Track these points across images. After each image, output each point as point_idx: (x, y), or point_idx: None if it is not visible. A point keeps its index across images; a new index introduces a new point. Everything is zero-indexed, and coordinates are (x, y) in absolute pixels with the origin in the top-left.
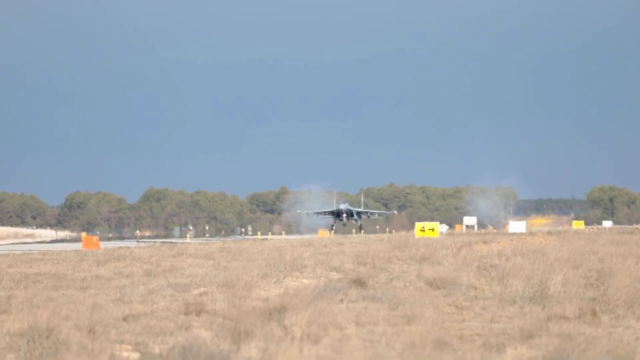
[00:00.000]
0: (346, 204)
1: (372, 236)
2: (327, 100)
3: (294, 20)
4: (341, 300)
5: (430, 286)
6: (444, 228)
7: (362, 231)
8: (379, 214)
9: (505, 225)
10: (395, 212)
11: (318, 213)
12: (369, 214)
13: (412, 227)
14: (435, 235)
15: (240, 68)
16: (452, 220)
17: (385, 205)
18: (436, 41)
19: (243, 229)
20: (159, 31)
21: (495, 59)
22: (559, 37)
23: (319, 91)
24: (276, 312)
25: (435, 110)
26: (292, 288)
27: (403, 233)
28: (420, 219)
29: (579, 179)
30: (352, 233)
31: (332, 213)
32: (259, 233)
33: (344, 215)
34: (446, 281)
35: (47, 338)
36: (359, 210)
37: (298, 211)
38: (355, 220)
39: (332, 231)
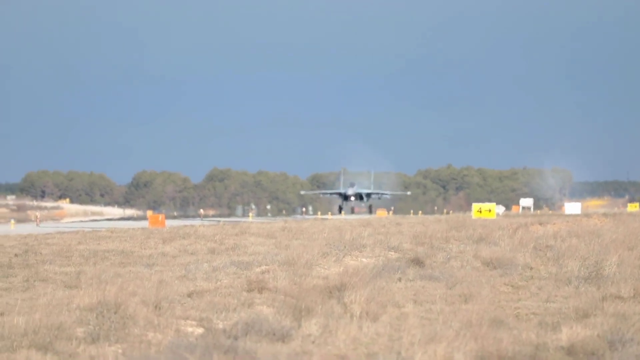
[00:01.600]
0: (354, 187)
1: (429, 217)
2: (388, 82)
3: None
4: (399, 279)
5: (487, 266)
6: (501, 209)
7: (371, 212)
8: (392, 195)
9: (560, 206)
10: (408, 192)
11: (324, 194)
12: (380, 194)
13: (469, 208)
14: (492, 216)
15: (304, 49)
16: (508, 202)
17: (443, 187)
18: (491, 20)
19: (304, 209)
20: (228, 11)
21: (552, 39)
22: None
23: (379, 73)
24: (336, 290)
25: (492, 93)
26: (352, 267)
27: (460, 214)
28: (477, 200)
29: (635, 161)
30: (410, 214)
31: (340, 194)
32: (319, 213)
33: (352, 197)
34: (502, 261)
35: (115, 313)
36: (369, 191)
37: (302, 192)
38: (365, 201)
39: (343, 212)
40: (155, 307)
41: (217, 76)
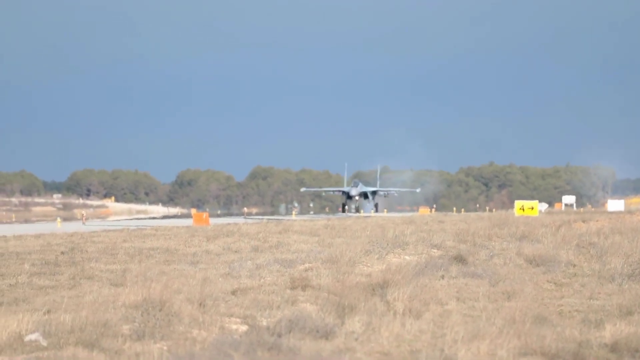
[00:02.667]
0: (359, 186)
1: (472, 214)
2: (427, 81)
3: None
4: (442, 277)
5: (530, 263)
6: (543, 206)
7: (377, 210)
8: (399, 192)
9: (603, 204)
10: (418, 190)
11: (327, 191)
12: (386, 192)
13: (511, 205)
14: (535, 213)
15: (348, 47)
16: (551, 199)
17: (486, 185)
18: (527, 15)
19: (346, 207)
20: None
21: (593, 35)
22: None
23: (421, 71)
24: (379, 288)
25: (534, 90)
26: (395, 264)
27: (503, 212)
28: (520, 198)
29: None
30: (452, 211)
31: (343, 193)
32: (362, 210)
33: (356, 197)
34: (545, 258)
35: (160, 310)
36: (374, 189)
37: (302, 189)
38: (371, 200)
39: (346, 210)
40: (200, 304)
41: (260, 75)
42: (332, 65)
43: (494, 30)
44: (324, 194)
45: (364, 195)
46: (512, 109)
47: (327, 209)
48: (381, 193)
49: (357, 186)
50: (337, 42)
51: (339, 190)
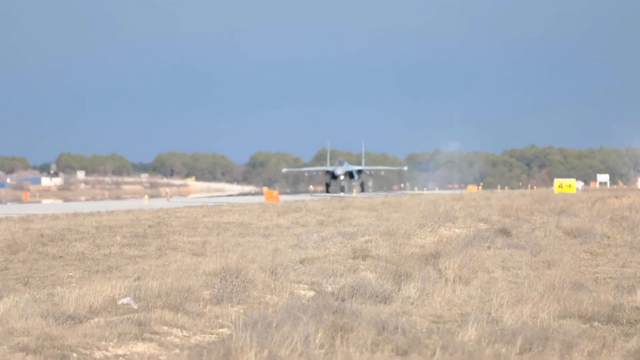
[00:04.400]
0: (344, 165)
1: (515, 192)
2: (475, 69)
3: None
4: (488, 248)
5: (568, 235)
6: (580, 184)
7: (363, 189)
8: (386, 171)
9: (635, 182)
10: (405, 168)
11: (309, 171)
12: (372, 171)
13: (551, 183)
14: (572, 190)
15: (412, 34)
16: (586, 178)
17: (527, 165)
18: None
19: (402, 185)
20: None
21: (627, 20)
22: None
23: (472, 58)
24: (432, 257)
25: (571, 77)
26: (445, 236)
27: (543, 189)
28: (559, 177)
29: None
30: (497, 189)
31: (327, 172)
32: (415, 188)
33: (341, 176)
34: (582, 231)
35: (236, 277)
36: (360, 168)
37: (284, 170)
38: (356, 179)
39: (327, 191)
40: (272, 272)
41: (325, 63)
42: (389, 50)
43: (534, 19)
44: (306, 174)
45: (349, 174)
46: (551, 95)
47: (384, 187)
48: (367, 172)
49: (342, 165)
50: (395, 27)
51: (323, 170)
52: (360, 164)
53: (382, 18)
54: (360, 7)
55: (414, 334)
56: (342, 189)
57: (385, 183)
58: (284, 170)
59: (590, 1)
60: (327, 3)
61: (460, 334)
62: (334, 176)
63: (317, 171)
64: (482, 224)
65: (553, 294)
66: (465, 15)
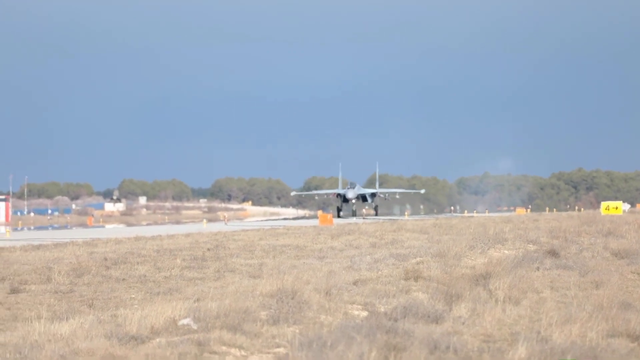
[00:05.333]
0: (355, 187)
1: (563, 214)
2: (525, 92)
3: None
4: (537, 268)
5: (615, 256)
6: (626, 206)
7: (376, 213)
8: (401, 194)
9: None
10: (422, 191)
11: (320, 194)
12: (387, 194)
13: (598, 206)
14: (619, 212)
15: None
16: (633, 200)
17: (575, 187)
18: (609, 16)
19: (452, 208)
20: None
21: None
22: None
23: (517, 81)
24: (482, 278)
25: (617, 99)
26: (495, 258)
27: (590, 211)
28: (605, 199)
29: None
30: (545, 211)
31: (338, 196)
32: (465, 211)
33: (353, 199)
34: (629, 252)
35: (292, 298)
36: (373, 191)
37: (292, 193)
38: (370, 202)
39: (340, 215)
40: (326, 293)
41: (373, 84)
42: (438, 74)
43: (584, 41)
44: (317, 197)
45: (363, 197)
46: (598, 119)
47: (434, 210)
48: (381, 195)
49: (353, 188)
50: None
51: (334, 193)
52: (409, 187)
53: (433, 35)
54: (411, 22)
55: (466, 353)
56: (353, 213)
57: (436, 206)
58: (293, 193)
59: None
60: (384, 21)
61: (511, 352)
62: (345, 199)
63: (327, 194)
64: (531, 246)
65: (601, 313)
66: (514, 37)
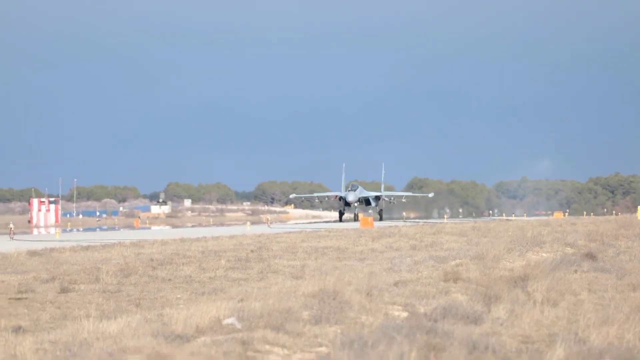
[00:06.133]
0: (357, 190)
1: (600, 218)
2: (562, 97)
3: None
4: (575, 271)
5: None
6: None
7: (381, 218)
8: (407, 197)
9: None
10: (430, 194)
11: (320, 197)
12: (392, 198)
13: (635, 210)
14: None
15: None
16: None
17: (612, 192)
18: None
19: (490, 212)
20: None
21: None
22: None
23: (555, 86)
24: (520, 280)
25: None
26: (533, 260)
27: (627, 215)
28: None
29: None
30: (583, 215)
31: (340, 198)
32: (503, 215)
33: (355, 203)
34: None
35: (333, 299)
36: (377, 194)
37: (292, 196)
38: (373, 206)
39: (341, 220)
40: (367, 294)
41: (413, 89)
42: (477, 83)
43: (612, 43)
44: (317, 200)
45: (366, 201)
46: (635, 123)
47: (473, 214)
48: (386, 199)
49: (355, 190)
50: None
51: (335, 196)
52: (447, 192)
53: (472, 39)
54: (451, 28)
55: (504, 354)
56: (355, 217)
57: (474, 210)
58: (292, 196)
59: None
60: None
61: (549, 353)
62: (347, 203)
63: (327, 197)
64: (568, 249)
65: (638, 315)
66: (555, 42)
